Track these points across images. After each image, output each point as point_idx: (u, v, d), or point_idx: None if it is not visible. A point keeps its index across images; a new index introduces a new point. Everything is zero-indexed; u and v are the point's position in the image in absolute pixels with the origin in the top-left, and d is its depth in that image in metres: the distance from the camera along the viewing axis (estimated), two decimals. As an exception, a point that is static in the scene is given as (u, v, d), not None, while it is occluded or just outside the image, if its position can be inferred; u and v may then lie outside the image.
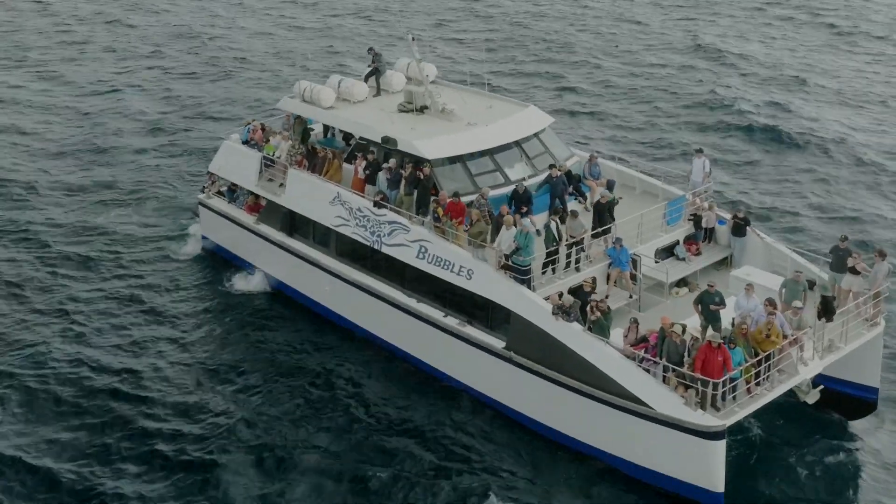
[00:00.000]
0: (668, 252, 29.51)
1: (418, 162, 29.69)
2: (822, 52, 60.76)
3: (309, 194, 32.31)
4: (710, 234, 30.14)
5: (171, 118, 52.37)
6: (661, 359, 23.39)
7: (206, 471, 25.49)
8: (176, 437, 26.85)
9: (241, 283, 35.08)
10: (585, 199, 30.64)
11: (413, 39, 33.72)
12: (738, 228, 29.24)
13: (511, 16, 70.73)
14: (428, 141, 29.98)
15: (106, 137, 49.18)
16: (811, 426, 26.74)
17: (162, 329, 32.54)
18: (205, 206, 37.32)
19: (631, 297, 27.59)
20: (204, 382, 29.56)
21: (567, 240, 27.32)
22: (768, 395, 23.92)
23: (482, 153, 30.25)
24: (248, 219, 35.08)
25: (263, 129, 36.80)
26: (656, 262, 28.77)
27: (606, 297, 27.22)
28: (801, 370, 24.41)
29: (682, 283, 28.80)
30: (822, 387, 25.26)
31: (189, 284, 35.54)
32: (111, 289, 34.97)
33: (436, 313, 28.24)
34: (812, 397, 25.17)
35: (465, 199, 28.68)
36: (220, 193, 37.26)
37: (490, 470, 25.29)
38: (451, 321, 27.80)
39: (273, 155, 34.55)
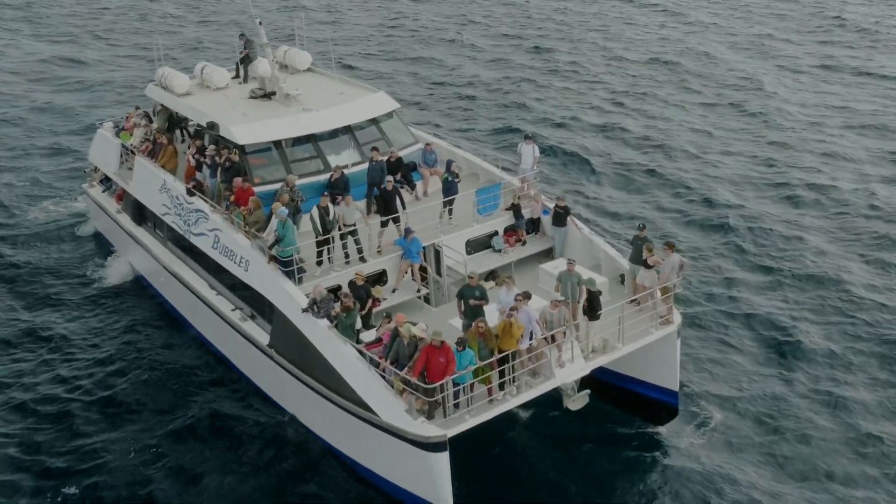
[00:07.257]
0: (484, 243, 27.54)
1: (235, 148, 28.42)
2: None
3: (146, 182, 31.44)
4: (536, 225, 28.01)
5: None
6: (386, 360, 21.57)
7: None
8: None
9: (108, 272, 34.58)
10: (414, 188, 28.97)
11: (260, 23, 32.35)
12: (558, 217, 27.02)
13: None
14: (243, 126, 28.61)
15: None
16: (603, 432, 24.57)
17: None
18: (87, 194, 37.06)
19: (419, 290, 25.77)
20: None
21: (341, 228, 25.62)
22: (512, 399, 21.81)
23: (304, 139, 28.72)
24: (115, 207, 34.50)
25: (147, 116, 36.10)
26: (468, 253, 26.88)
27: (394, 290, 25.65)
28: (559, 373, 22.18)
29: (491, 276, 26.75)
30: (588, 391, 22.96)
31: (60, 268, 35.17)
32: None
33: (226, 306, 27.01)
34: (577, 403, 22.77)
35: (275, 187, 27.32)
36: (102, 182, 36.83)
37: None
38: (237, 315, 26.52)
39: (129, 143, 33.84)
